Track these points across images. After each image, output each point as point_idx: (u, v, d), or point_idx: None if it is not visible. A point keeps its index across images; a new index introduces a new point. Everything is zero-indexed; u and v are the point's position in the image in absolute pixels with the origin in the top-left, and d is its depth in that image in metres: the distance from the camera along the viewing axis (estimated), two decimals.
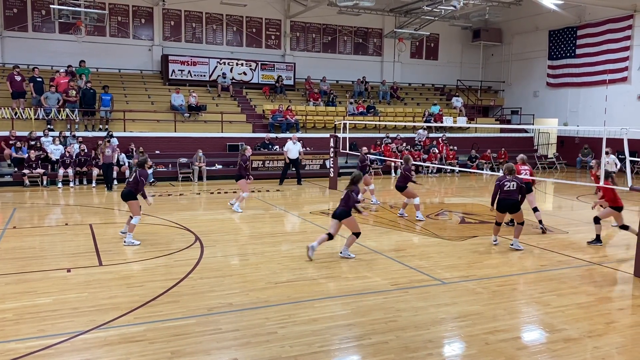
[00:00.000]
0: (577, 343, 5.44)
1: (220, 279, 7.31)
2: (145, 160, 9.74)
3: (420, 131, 22.89)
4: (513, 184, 9.07)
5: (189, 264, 8.00)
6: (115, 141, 17.02)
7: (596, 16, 23.66)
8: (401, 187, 11.83)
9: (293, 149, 18.10)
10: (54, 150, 16.92)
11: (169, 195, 15.37)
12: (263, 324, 5.76)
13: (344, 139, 17.18)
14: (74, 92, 18.64)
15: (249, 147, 13.50)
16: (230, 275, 7.55)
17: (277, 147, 20.35)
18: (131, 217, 9.34)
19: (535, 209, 10.83)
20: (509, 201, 9.09)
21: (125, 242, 9.23)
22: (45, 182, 16.38)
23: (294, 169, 18.28)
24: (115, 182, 16.47)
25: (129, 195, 9.33)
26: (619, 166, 16.62)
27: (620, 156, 19.29)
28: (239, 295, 6.65)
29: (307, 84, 25.06)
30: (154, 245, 9.17)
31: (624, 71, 22.71)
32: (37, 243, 9.45)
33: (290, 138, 18.54)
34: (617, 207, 9.30)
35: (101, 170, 16.39)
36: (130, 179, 9.65)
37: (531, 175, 10.82)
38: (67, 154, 16.78)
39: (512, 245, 9.23)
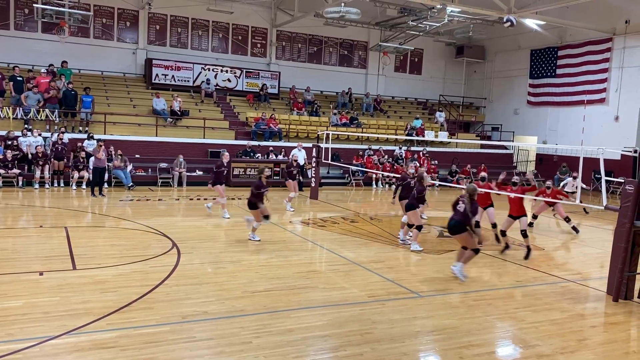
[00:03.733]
0: (549, 359, 5.49)
1: (196, 287, 7.23)
2: (262, 171, 10.37)
3: (397, 149, 23.07)
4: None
5: (164, 270, 7.90)
6: (94, 143, 16.81)
7: (577, 37, 24.17)
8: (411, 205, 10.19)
9: (299, 156, 18.33)
10: (32, 143, 16.57)
11: (147, 200, 15.21)
12: (238, 333, 5.71)
13: (327, 149, 17.21)
14: (55, 92, 18.40)
15: (227, 153, 13.80)
16: (206, 283, 7.48)
17: (260, 155, 20.32)
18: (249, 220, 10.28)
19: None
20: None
21: (249, 237, 10.21)
22: (20, 183, 16.07)
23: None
24: (105, 185, 16.23)
25: (251, 204, 10.14)
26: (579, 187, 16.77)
27: (596, 175, 19.64)
28: (214, 304, 6.58)
29: (291, 93, 25.10)
30: (129, 251, 9.05)
31: (602, 92, 23.20)
32: (10, 245, 9.25)
33: (297, 146, 18.84)
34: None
35: (91, 174, 16.02)
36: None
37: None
38: (42, 147, 16.45)
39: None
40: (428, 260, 9.46)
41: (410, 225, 10.32)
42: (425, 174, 10.46)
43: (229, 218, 12.58)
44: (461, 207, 8.16)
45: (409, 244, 10.22)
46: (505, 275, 8.68)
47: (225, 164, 13.19)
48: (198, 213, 13.62)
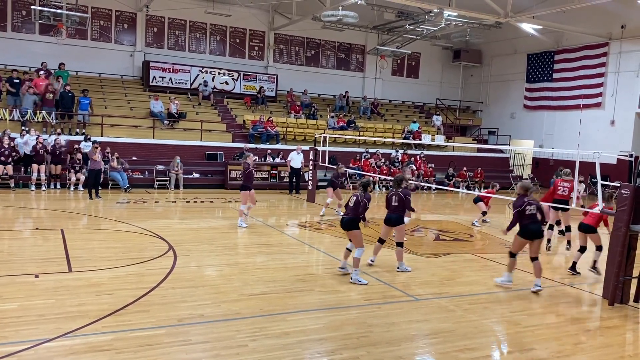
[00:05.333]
0: None
1: (192, 290, 7.21)
2: (401, 179, 8.80)
3: (393, 152, 23.04)
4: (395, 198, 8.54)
5: (161, 273, 7.88)
6: (90, 145, 16.76)
7: (573, 42, 24.25)
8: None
9: (297, 159, 18.40)
10: (29, 140, 16.41)
11: (144, 202, 15.17)
12: (234, 336, 5.69)
13: (324, 152, 17.20)
14: (51, 95, 18.34)
15: (251, 154, 12.51)
16: (202, 285, 7.45)
17: (256, 158, 20.27)
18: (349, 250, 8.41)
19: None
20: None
21: (351, 279, 7.97)
22: (13, 185, 15.91)
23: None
24: (100, 187, 16.00)
25: (350, 224, 8.12)
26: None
27: (592, 179, 19.68)
28: (210, 307, 6.56)
29: (288, 96, 25.11)
30: (125, 253, 9.02)
31: (598, 97, 23.26)
32: (6, 247, 9.21)
33: (295, 149, 18.74)
34: None
35: (86, 176, 15.91)
36: (352, 204, 8.15)
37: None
38: (41, 144, 16.27)
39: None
40: (424, 263, 9.45)
41: (399, 244, 8.80)
42: (406, 175, 9.37)
43: (245, 227, 11.76)
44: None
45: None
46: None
47: (251, 166, 12.08)
48: (194, 215, 13.60)
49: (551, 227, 11.21)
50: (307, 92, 25.48)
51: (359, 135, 23.40)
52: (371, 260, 8.96)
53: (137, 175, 18.15)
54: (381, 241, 8.97)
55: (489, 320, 6.69)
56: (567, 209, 10.96)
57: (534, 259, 7.97)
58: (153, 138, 19.53)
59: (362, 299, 7.20)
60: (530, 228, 7.86)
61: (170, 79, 23.02)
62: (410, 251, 10.32)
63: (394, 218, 8.66)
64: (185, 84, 23.31)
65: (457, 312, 6.87)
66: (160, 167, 18.41)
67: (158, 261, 8.59)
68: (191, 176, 18.93)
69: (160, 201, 15.62)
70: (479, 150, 25.86)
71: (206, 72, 23.65)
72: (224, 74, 24.07)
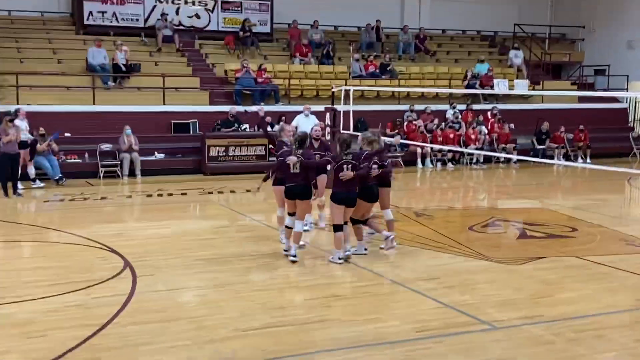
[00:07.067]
0: None
1: (162, 325, 7.29)
2: (305, 137, 10.05)
3: (449, 110, 22.76)
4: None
5: (114, 302, 7.96)
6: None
7: None
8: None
9: (305, 125, 16.28)
10: None
11: (84, 199, 15.31)
12: None
13: (347, 113, 17.11)
14: None
15: (288, 126, 11.79)
16: (177, 318, 7.53)
17: (247, 126, 20.27)
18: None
19: None
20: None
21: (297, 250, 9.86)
22: None
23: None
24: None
25: (305, 191, 9.72)
26: None
27: None
28: (190, 349, 6.62)
29: (291, 32, 25.03)
30: (62, 275, 9.12)
31: None
32: None
33: (302, 110, 18.21)
34: None
35: None
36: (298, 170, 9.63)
37: None
38: None
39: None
40: (504, 273, 9.43)
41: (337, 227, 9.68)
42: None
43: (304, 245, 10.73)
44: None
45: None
46: (621, 292, 8.64)
47: (289, 145, 10.45)
48: (160, 216, 13.70)
49: None
50: (318, 24, 25.33)
51: (399, 86, 23.26)
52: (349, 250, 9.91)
53: (72, 160, 18.24)
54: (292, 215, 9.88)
55: (605, 354, 6.68)
56: None
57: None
58: (94, 104, 19.62)
59: (413, 329, 7.23)
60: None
61: (115, 14, 23.08)
62: (483, 256, 10.31)
63: (299, 190, 9.56)
64: (137, 20, 23.39)
65: (558, 345, 6.87)
66: (106, 147, 18.48)
67: (110, 285, 8.69)
68: (152, 157, 19.01)
69: (109, 196, 15.76)
70: (581, 99, 25.55)
71: (166, 1, 23.64)
72: (193, 3, 24.06)
